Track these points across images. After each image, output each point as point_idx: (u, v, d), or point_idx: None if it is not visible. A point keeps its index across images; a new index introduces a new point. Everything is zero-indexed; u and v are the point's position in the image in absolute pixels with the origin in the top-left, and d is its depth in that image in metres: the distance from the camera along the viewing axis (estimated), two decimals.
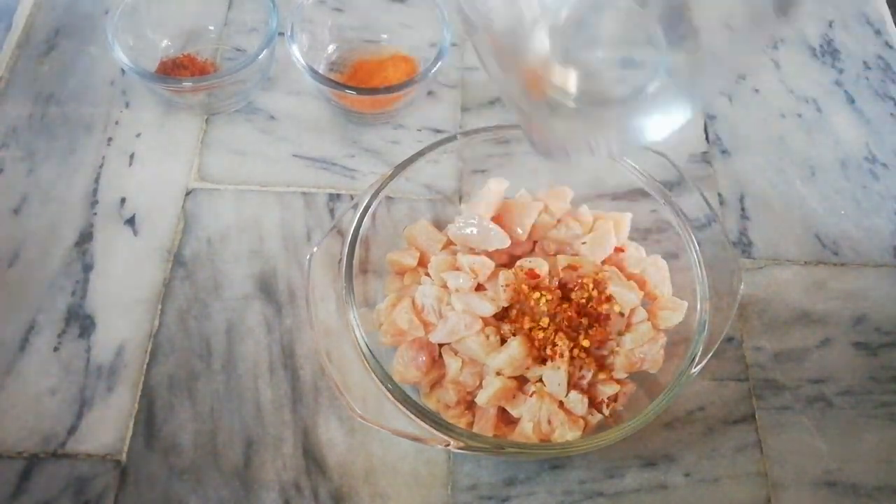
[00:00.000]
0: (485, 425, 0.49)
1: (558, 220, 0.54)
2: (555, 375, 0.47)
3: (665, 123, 0.41)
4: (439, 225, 0.56)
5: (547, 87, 0.40)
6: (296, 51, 0.59)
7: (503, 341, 0.48)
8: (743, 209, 0.63)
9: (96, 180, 0.60)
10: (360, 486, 0.50)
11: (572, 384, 0.47)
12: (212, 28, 0.68)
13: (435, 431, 0.43)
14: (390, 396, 0.44)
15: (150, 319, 0.55)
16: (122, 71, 0.65)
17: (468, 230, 0.51)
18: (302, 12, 0.61)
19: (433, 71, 0.59)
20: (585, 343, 0.47)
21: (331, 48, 0.67)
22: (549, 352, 0.47)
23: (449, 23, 0.60)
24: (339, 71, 0.66)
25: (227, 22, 0.69)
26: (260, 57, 0.59)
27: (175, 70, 0.63)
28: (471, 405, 0.50)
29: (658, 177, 0.53)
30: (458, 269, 0.50)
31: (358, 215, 0.50)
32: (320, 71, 0.62)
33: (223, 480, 0.49)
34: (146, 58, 0.62)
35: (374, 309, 0.52)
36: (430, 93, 0.66)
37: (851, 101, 0.69)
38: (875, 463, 0.52)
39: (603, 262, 0.52)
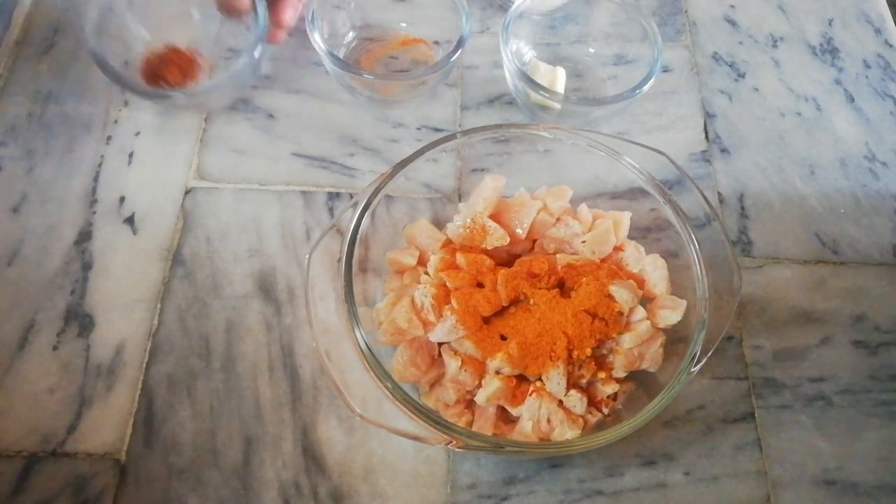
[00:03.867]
0: (484, 424, 0.49)
1: (558, 219, 0.54)
2: (554, 374, 0.47)
3: None
4: (439, 224, 0.56)
5: None
6: (317, 38, 0.59)
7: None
8: (742, 208, 0.63)
9: (95, 179, 0.60)
10: (359, 484, 0.50)
11: (571, 383, 0.47)
12: (197, 17, 0.64)
13: (434, 430, 0.43)
14: (390, 395, 0.44)
15: (149, 318, 0.55)
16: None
17: (467, 229, 0.51)
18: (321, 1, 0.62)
19: (453, 59, 0.59)
20: None
21: (350, 35, 0.67)
22: None
23: (468, 11, 0.61)
24: (358, 58, 0.67)
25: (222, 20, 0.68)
26: (255, 53, 0.59)
27: (161, 66, 0.61)
28: (470, 404, 0.50)
29: (658, 175, 0.53)
30: (457, 267, 0.50)
31: (357, 214, 0.49)
32: (340, 57, 0.63)
33: (222, 479, 0.49)
34: (133, 52, 0.61)
35: (373, 308, 0.52)
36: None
37: (851, 99, 0.69)
38: (874, 461, 0.52)
39: (602, 261, 0.52)
